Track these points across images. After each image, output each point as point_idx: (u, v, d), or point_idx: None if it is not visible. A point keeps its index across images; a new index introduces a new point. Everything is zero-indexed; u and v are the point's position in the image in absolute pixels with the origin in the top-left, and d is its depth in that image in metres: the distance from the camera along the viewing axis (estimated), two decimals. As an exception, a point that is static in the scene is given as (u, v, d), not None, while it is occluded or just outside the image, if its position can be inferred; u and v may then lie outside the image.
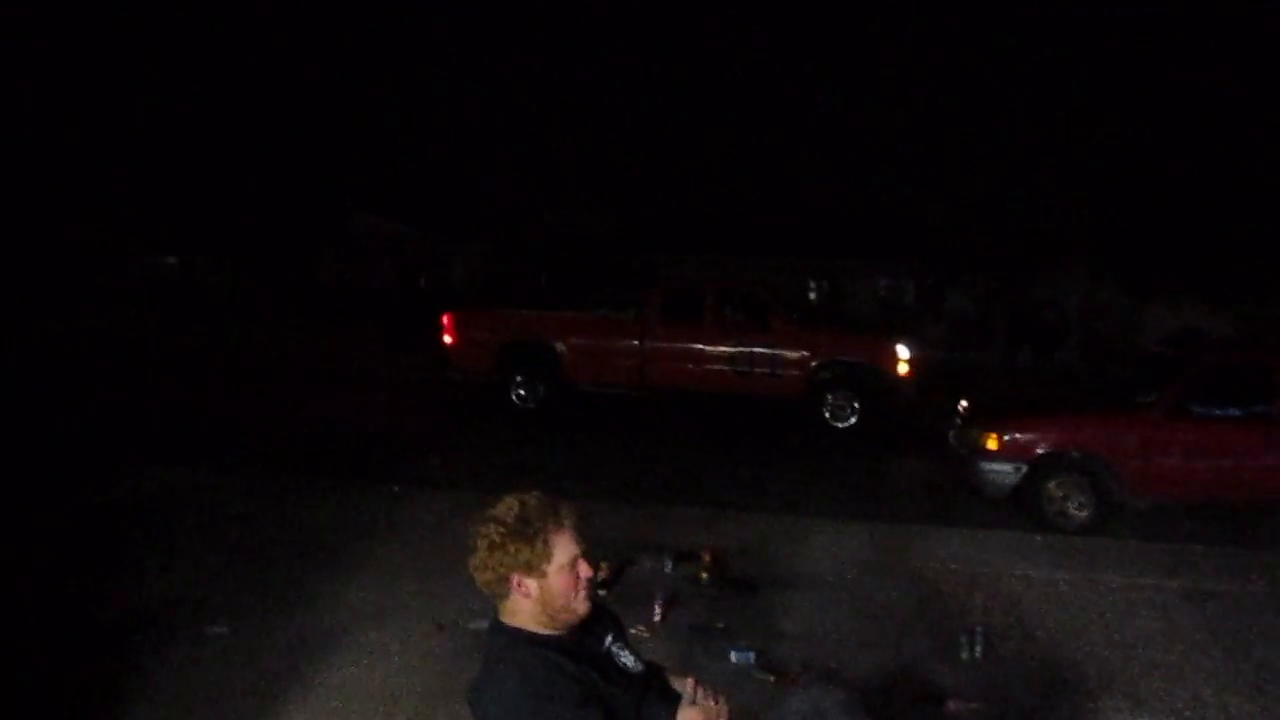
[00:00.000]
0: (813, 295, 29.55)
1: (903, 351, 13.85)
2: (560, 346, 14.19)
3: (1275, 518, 8.76)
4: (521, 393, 14.24)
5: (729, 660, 5.22)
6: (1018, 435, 8.73)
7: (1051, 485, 8.65)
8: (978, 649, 5.45)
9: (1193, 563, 7.67)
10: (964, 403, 9.98)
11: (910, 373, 13.89)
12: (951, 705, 4.78)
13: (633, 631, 5.56)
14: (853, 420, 13.62)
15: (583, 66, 29.16)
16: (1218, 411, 8.54)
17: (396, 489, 9.03)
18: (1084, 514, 8.59)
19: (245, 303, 25.49)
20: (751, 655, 5.22)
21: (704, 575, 6.59)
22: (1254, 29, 24.34)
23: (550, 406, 14.09)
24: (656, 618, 5.75)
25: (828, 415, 13.66)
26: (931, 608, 6.36)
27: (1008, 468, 8.69)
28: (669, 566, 6.77)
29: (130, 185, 25.74)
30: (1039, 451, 8.65)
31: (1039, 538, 8.21)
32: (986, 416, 9.21)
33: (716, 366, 13.96)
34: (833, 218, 27.56)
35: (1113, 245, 23.57)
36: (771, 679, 5.01)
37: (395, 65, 26.44)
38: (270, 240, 27.18)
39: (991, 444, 8.75)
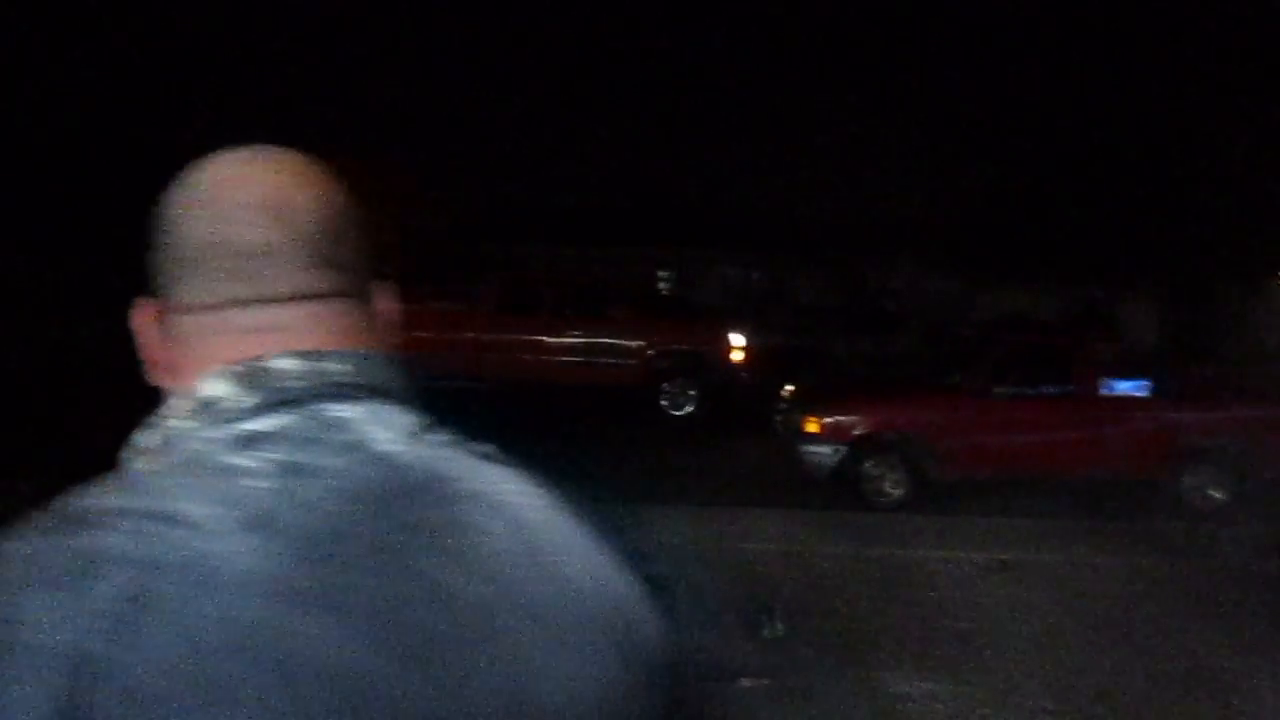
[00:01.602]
0: (663, 285, 29.76)
1: (738, 339, 14.03)
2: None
3: (1076, 490, 9.21)
4: (356, 388, 13.81)
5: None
6: (836, 418, 8.94)
7: (868, 465, 8.88)
8: (779, 626, 5.52)
9: (996, 535, 8.01)
10: (789, 387, 10.16)
11: (746, 360, 14.08)
12: (745, 682, 4.83)
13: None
14: (690, 408, 13.71)
15: (420, 53, 28.54)
16: (1021, 391, 8.91)
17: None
18: (899, 492, 8.87)
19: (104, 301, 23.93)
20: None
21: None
22: (1080, 15, 25.59)
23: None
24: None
25: (665, 404, 13.71)
26: (742, 588, 6.43)
27: (827, 449, 8.88)
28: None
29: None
30: (856, 433, 8.88)
31: (855, 516, 8.43)
32: (808, 401, 9.39)
33: (554, 357, 13.85)
34: (679, 208, 27.80)
35: (947, 235, 24.46)
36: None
37: (232, 51, 25.32)
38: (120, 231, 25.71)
39: (812, 427, 8.94)
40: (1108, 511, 8.72)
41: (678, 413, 13.71)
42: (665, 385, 13.72)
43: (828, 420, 8.91)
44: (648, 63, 29.35)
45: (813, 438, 8.91)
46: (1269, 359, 19.29)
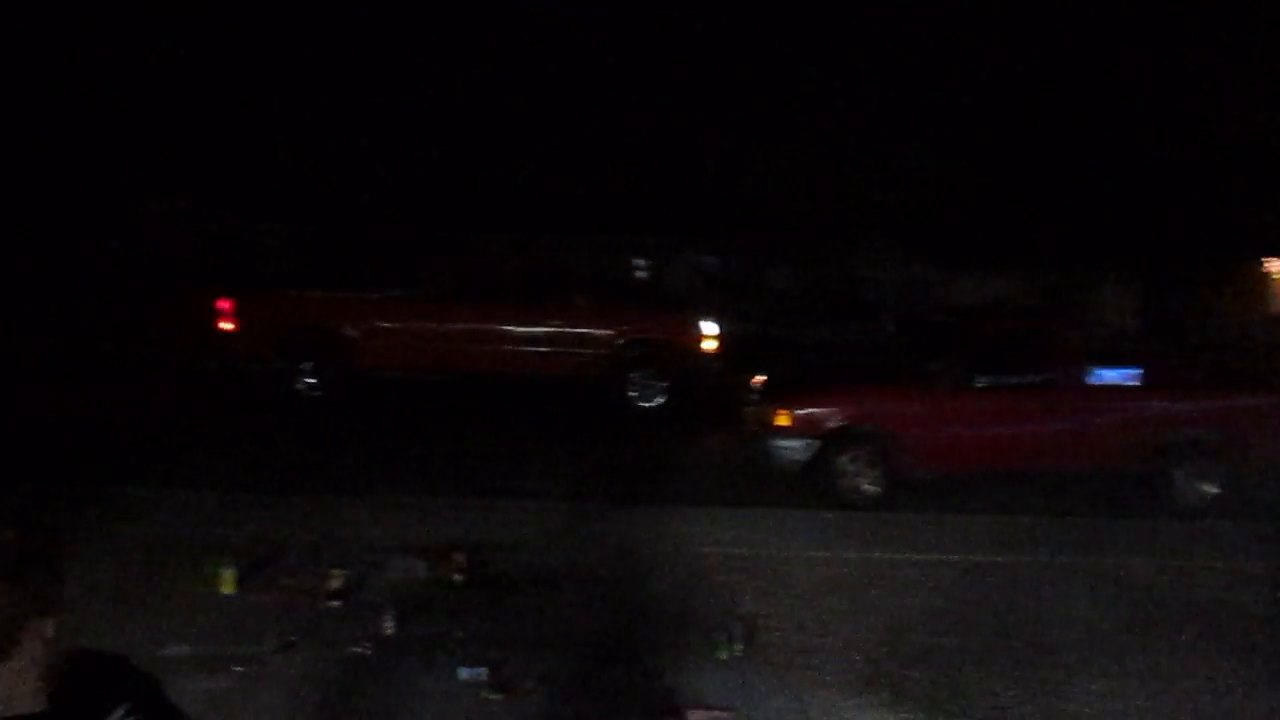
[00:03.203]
0: (638, 273, 29.24)
1: (708, 328, 13.49)
2: (351, 331, 13.21)
3: (1060, 485, 8.75)
4: (310, 381, 13.19)
5: (457, 677, 4.60)
6: (808, 410, 8.41)
7: (843, 460, 8.37)
8: (737, 647, 5.00)
9: (977, 535, 7.54)
10: (759, 378, 9.61)
11: (717, 349, 13.56)
12: (694, 716, 4.30)
13: (355, 650, 4.89)
14: (660, 400, 13.17)
15: (390, 42, 27.83)
16: (1001, 380, 8.41)
17: (139, 492, 8.01)
18: (875, 489, 8.36)
19: (20, 298, 23.27)
20: (484, 671, 4.61)
21: (457, 577, 5.96)
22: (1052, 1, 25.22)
23: (340, 396, 13.12)
24: (387, 630, 5.07)
25: (634, 395, 13.17)
26: (701, 600, 5.90)
27: (799, 444, 8.35)
28: (422, 569, 6.10)
29: None
30: (829, 426, 8.35)
31: (828, 515, 7.93)
32: (778, 392, 8.86)
33: (517, 347, 13.25)
34: (652, 195, 27.23)
35: (923, 220, 24.05)
36: (500, 698, 4.41)
37: (196, 41, 24.60)
38: (50, 230, 24.92)
39: (783, 420, 8.40)
40: (1094, 508, 8.28)
41: (647, 404, 13.17)
42: (634, 375, 13.18)
43: (799, 413, 8.38)
44: (621, 47, 28.71)
45: (783, 431, 8.37)
46: (1249, 345, 18.97)
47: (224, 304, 13.39)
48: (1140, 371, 8.51)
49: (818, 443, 8.30)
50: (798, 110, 24.69)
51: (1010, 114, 24.16)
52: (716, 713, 4.33)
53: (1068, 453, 8.35)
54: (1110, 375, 8.49)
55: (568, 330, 13.19)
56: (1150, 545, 7.39)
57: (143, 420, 11.85)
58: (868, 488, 8.36)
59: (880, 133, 24.54)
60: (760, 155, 25.50)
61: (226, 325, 13.34)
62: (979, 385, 8.35)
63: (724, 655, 4.96)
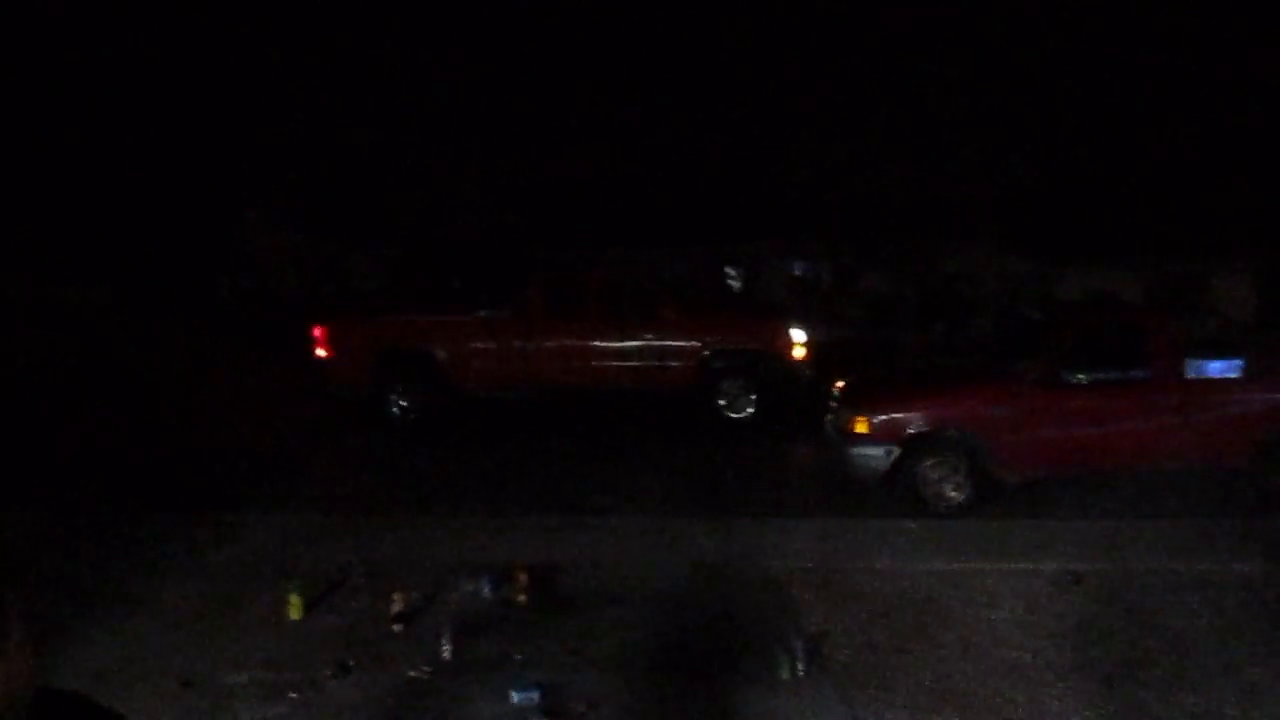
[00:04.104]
0: (733, 282, 29.04)
1: (798, 335, 13.26)
2: (440, 353, 13.39)
3: (1161, 487, 8.29)
4: (402, 404, 13.41)
5: (509, 701, 4.54)
6: (887, 416, 8.15)
7: (926, 467, 8.07)
8: (799, 667, 4.83)
9: (1067, 541, 7.17)
10: (839, 383, 9.37)
11: (807, 356, 13.31)
12: (747, 739, 4.16)
13: (412, 674, 4.88)
14: (749, 410, 13.00)
15: (481, 62, 28.26)
16: (1095, 377, 8.00)
17: (230, 517, 8.22)
18: (961, 495, 8.04)
19: (134, 323, 24.30)
20: (536, 694, 4.55)
21: (521, 597, 5.92)
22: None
23: (433, 418, 13.29)
24: (445, 654, 5.05)
25: (723, 405, 13.03)
26: (769, 615, 5.73)
27: (879, 451, 8.09)
28: (487, 590, 6.08)
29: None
30: (910, 432, 8.07)
31: (910, 524, 7.65)
32: (856, 397, 8.61)
33: (605, 362, 13.26)
34: (742, 203, 27.03)
35: (1022, 213, 23.27)
36: (548, 723, 4.35)
37: (283, 72, 25.38)
38: (160, 257, 26.02)
39: (860, 427, 8.15)
40: (1194, 510, 7.80)
41: (736, 415, 13.01)
42: (722, 386, 13.04)
43: (878, 419, 8.12)
44: (710, 54, 28.60)
45: (862, 438, 8.12)
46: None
47: (317, 330, 13.72)
48: (1242, 364, 7.99)
49: (897, 449, 8.03)
50: (887, 108, 24.17)
51: (1114, 95, 23.25)
52: (770, 736, 4.18)
53: (1164, 451, 7.89)
54: (1212, 368, 7.99)
55: (655, 344, 13.13)
56: (1254, 548, 6.91)
57: (240, 446, 12.20)
58: (953, 494, 8.05)
59: (975, 123, 23.87)
60: (850, 156, 25.05)
61: (321, 351, 13.67)
62: (1071, 382, 7.96)
63: (786, 674, 4.79)
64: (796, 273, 27.11)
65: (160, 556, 6.99)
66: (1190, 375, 7.99)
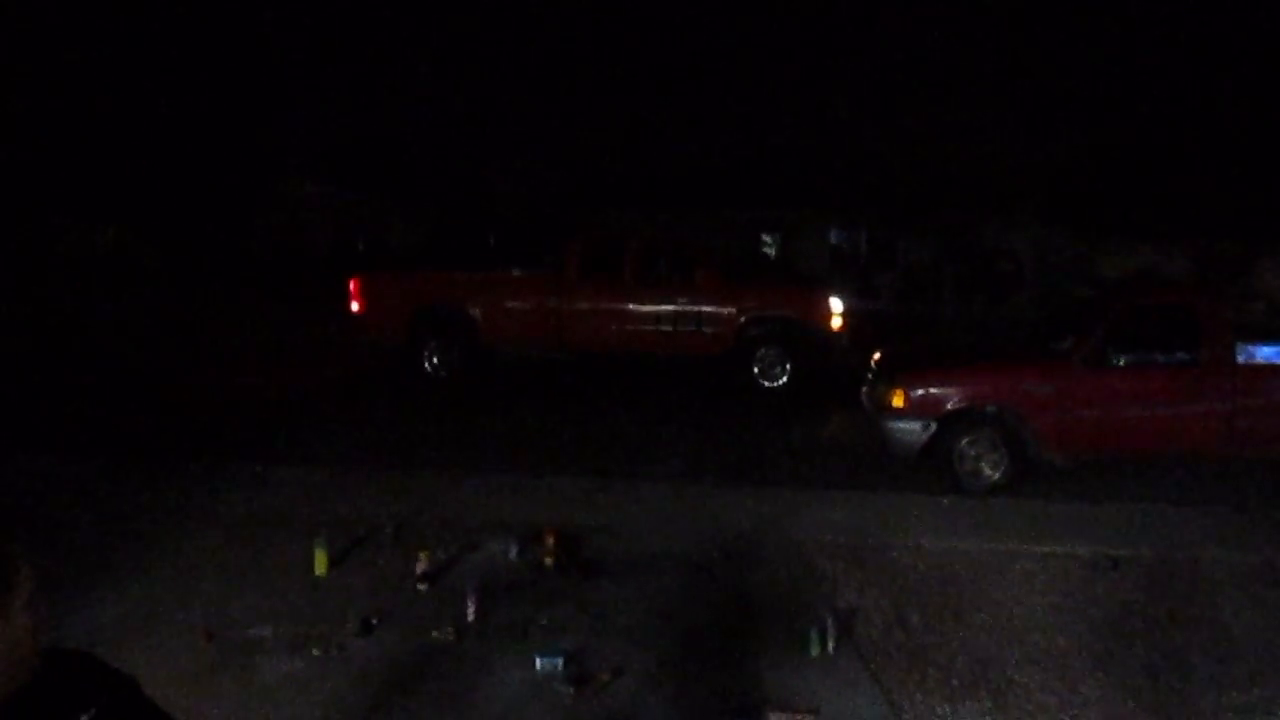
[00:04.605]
0: (769, 250, 28.77)
1: (835, 304, 13.09)
2: (475, 311, 13.33)
3: (1204, 473, 8.09)
4: (435, 360, 13.39)
5: (534, 667, 4.48)
6: (925, 390, 7.98)
7: (963, 443, 7.91)
8: (829, 643, 4.73)
9: (1107, 525, 6.98)
10: (877, 355, 9.20)
11: (844, 326, 13.14)
12: (774, 717, 4.06)
13: (436, 635, 4.83)
14: (784, 379, 12.87)
15: (516, 22, 27.90)
16: (1141, 358, 7.79)
17: (259, 468, 8.21)
18: (998, 474, 7.87)
19: (173, 272, 24.47)
20: (560, 661, 4.48)
21: (548, 560, 5.85)
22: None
23: (466, 375, 13.27)
24: (470, 616, 5.00)
25: (757, 373, 12.90)
26: (799, 589, 5.64)
27: (915, 425, 7.93)
28: (514, 552, 6.02)
29: (53, 153, 24.67)
30: (949, 407, 7.90)
31: (944, 501, 7.51)
32: (894, 370, 8.43)
33: (639, 325, 13.15)
34: (783, 170, 26.66)
35: (1065, 188, 22.77)
36: (571, 691, 4.27)
37: (328, 30, 25.22)
38: (201, 207, 26.14)
39: (897, 400, 7.99)
40: (1242, 498, 7.59)
41: (771, 384, 12.88)
42: (758, 353, 12.91)
43: (915, 393, 7.96)
44: (748, 18, 28.09)
45: (899, 413, 7.97)
46: None
47: (353, 284, 13.72)
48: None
49: (934, 425, 7.87)
50: (934, 77, 23.65)
51: (1161, 67, 22.62)
52: (798, 714, 4.08)
53: (1211, 436, 7.66)
54: (1265, 353, 7.74)
55: (691, 309, 13.00)
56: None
57: (277, 398, 12.23)
58: (989, 473, 7.88)
59: (1022, 96, 23.32)
60: (897, 125, 24.58)
61: (355, 305, 13.66)
62: (1116, 363, 7.75)
63: (815, 651, 4.70)
64: (833, 240, 26.78)
65: (185, 506, 7.00)
66: (1242, 360, 7.74)
